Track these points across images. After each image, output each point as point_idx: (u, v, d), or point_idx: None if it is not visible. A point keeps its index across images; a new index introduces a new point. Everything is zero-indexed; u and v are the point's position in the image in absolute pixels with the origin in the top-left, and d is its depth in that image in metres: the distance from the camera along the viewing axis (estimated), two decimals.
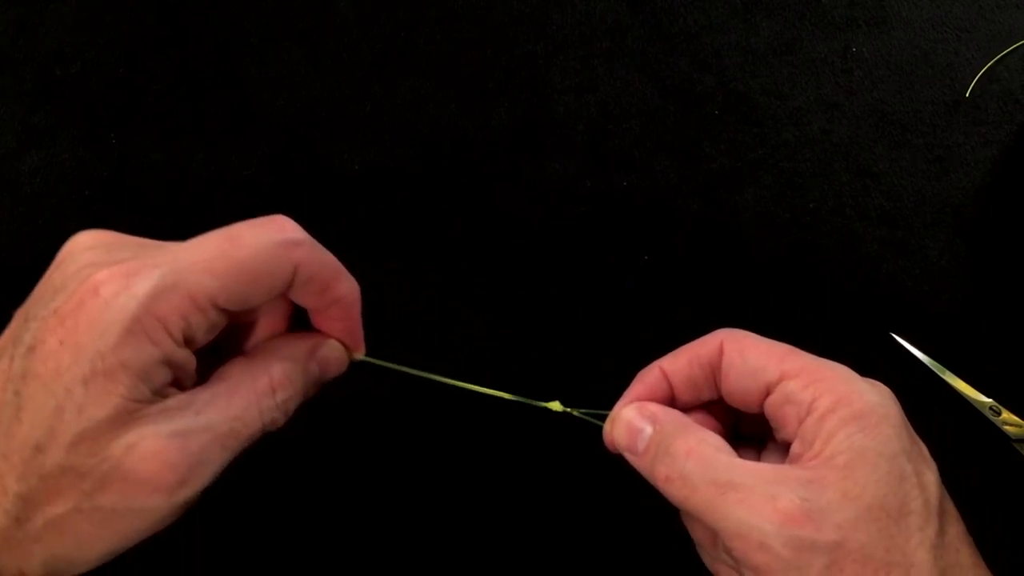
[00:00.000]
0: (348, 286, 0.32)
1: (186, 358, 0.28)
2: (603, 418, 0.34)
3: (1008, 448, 0.41)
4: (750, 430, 0.35)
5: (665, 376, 0.34)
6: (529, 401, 0.39)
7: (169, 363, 0.27)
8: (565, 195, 0.49)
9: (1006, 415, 0.41)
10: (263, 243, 0.29)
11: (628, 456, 0.33)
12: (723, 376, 0.33)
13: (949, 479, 0.30)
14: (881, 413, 0.30)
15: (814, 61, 0.54)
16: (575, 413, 0.38)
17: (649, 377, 0.34)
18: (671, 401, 0.34)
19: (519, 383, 0.41)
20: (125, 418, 0.26)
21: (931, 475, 0.30)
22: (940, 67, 0.53)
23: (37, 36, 0.56)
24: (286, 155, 0.51)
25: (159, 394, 0.27)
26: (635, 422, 0.32)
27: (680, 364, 0.34)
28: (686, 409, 0.34)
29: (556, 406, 0.39)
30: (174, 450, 0.27)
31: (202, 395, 0.28)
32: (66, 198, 0.49)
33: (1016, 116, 0.51)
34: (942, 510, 0.29)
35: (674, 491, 0.30)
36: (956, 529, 0.30)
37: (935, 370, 0.42)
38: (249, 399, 0.29)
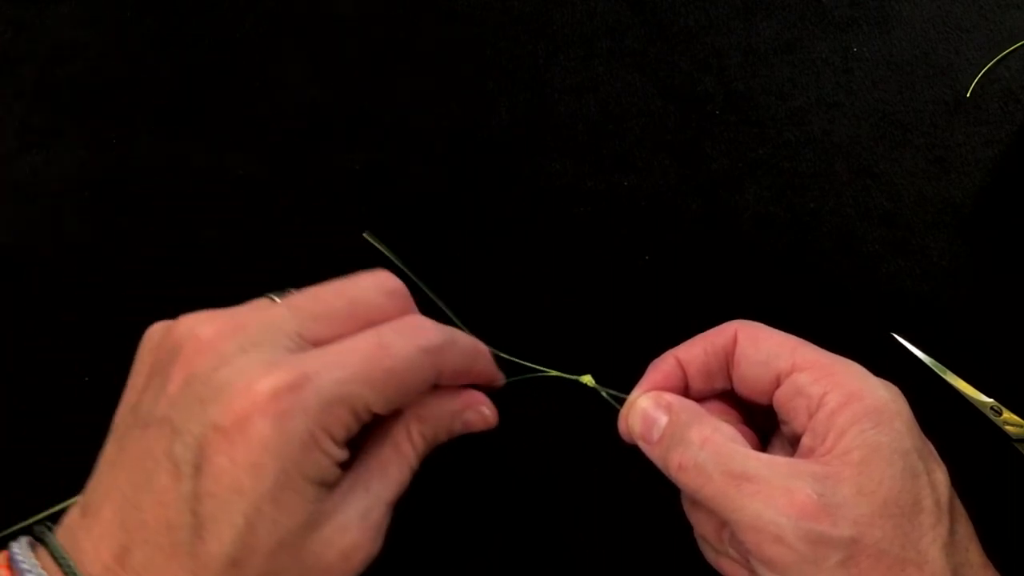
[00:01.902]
0: (484, 364, 0.33)
1: (347, 454, 0.29)
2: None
3: (1009, 448, 0.41)
4: (755, 426, 0.35)
5: (680, 365, 0.34)
6: (563, 375, 0.39)
7: (340, 464, 0.28)
8: (565, 195, 0.49)
9: (1007, 415, 0.41)
10: (411, 352, 0.29)
11: (642, 444, 0.33)
12: (735, 364, 0.33)
13: (950, 479, 0.30)
14: (893, 410, 0.30)
15: (815, 61, 0.54)
16: (603, 393, 0.38)
17: (664, 365, 0.34)
18: (685, 390, 0.34)
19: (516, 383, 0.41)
20: (316, 518, 0.27)
21: (941, 474, 0.30)
22: (940, 67, 0.53)
23: (37, 36, 0.56)
24: (286, 155, 0.51)
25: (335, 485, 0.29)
26: (650, 411, 0.33)
27: (695, 352, 0.34)
28: (699, 399, 0.34)
29: (588, 380, 0.39)
30: (363, 533, 0.29)
31: (363, 471, 0.30)
32: (66, 198, 0.49)
33: (1017, 116, 0.51)
34: (952, 509, 0.29)
35: (687, 480, 0.30)
36: (965, 529, 0.30)
37: (936, 370, 0.42)
38: (401, 465, 0.31)
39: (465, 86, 0.53)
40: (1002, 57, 0.53)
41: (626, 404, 0.34)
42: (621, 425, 0.34)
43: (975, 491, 0.32)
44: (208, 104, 0.53)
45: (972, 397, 0.41)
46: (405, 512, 0.38)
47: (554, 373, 0.40)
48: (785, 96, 0.52)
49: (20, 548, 0.28)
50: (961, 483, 0.31)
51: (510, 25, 0.56)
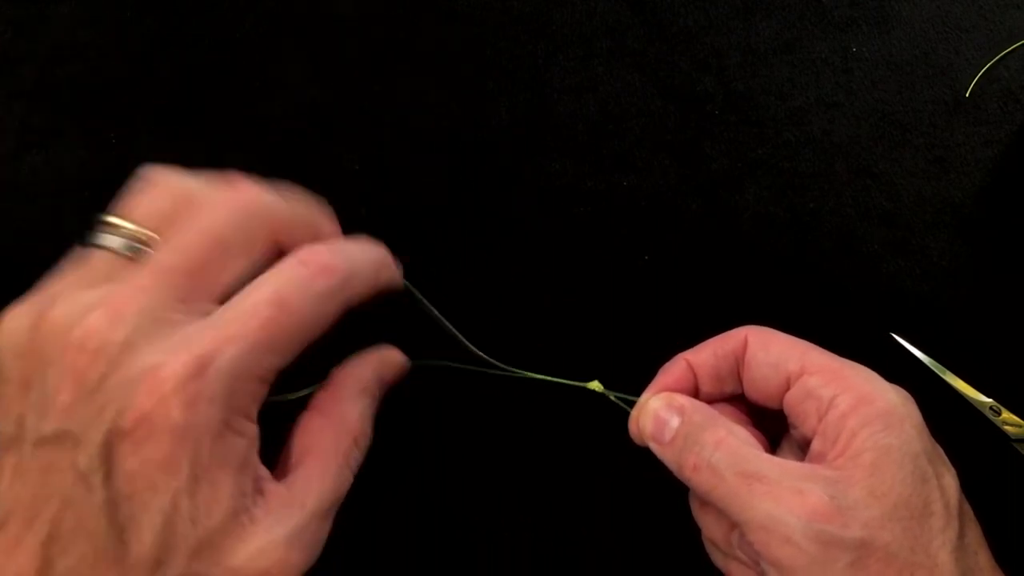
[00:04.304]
0: (388, 275, 0.33)
1: (257, 428, 0.28)
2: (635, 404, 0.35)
3: (1008, 448, 0.41)
4: (764, 430, 0.35)
5: (690, 368, 0.34)
6: (568, 382, 0.39)
7: (255, 443, 0.27)
8: (565, 195, 0.49)
9: (1006, 415, 0.41)
10: (312, 302, 0.28)
11: (653, 445, 0.33)
12: (746, 367, 0.34)
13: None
14: (903, 413, 0.30)
15: (814, 61, 0.54)
16: (612, 397, 0.38)
17: (675, 368, 0.35)
18: (695, 393, 0.35)
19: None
20: (240, 519, 0.26)
21: (950, 478, 0.30)
22: (940, 67, 0.53)
23: (37, 36, 0.56)
24: (286, 155, 0.51)
25: (259, 479, 0.27)
26: (662, 412, 0.33)
27: (705, 355, 0.34)
28: (708, 402, 0.34)
29: (596, 386, 0.39)
30: (295, 552, 0.27)
31: (298, 481, 0.29)
32: (66, 198, 0.49)
33: (1016, 116, 0.51)
34: (961, 513, 0.29)
35: (700, 480, 0.30)
36: (974, 533, 0.30)
37: (935, 370, 0.42)
38: (339, 463, 0.30)
39: (465, 86, 0.53)
40: (1002, 57, 0.53)
41: (637, 406, 0.34)
42: (632, 426, 0.34)
43: (974, 491, 0.32)
44: (208, 104, 0.53)
45: (971, 397, 0.41)
46: (416, 521, 0.38)
47: (562, 381, 0.40)
48: (785, 96, 0.52)
49: None
50: (961, 483, 0.31)
51: (510, 25, 0.56)
